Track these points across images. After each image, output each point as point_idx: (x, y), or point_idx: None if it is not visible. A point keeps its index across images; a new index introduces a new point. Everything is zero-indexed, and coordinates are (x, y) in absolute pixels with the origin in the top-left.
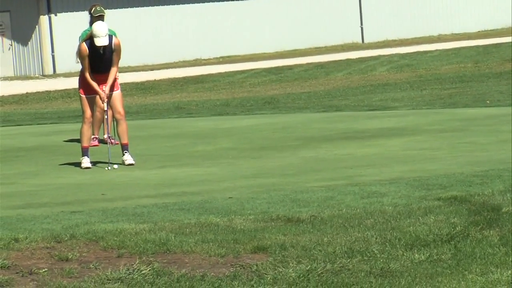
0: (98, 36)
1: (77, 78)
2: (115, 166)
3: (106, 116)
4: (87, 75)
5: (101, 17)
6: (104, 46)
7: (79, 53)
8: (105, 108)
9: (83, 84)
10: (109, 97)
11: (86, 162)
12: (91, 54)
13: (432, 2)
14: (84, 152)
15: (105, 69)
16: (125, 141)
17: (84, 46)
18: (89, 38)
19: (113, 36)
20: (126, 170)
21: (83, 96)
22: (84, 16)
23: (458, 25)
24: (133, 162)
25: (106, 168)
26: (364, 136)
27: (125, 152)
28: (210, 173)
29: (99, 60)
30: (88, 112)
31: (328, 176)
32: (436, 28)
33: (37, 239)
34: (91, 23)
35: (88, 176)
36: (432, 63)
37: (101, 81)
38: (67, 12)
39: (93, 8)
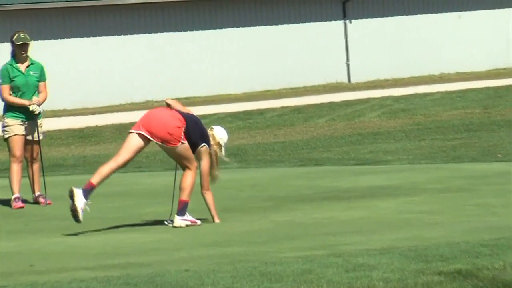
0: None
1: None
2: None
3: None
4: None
5: (25, 46)
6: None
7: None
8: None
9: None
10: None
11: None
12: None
13: (433, 35)
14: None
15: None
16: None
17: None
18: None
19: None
20: (59, 236)
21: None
22: (6, 47)
23: (464, 62)
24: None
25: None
26: (349, 196)
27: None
28: (163, 240)
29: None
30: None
31: (305, 244)
32: (438, 66)
33: None
34: (14, 52)
35: (13, 243)
36: (432, 108)
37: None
38: None
39: (16, 35)
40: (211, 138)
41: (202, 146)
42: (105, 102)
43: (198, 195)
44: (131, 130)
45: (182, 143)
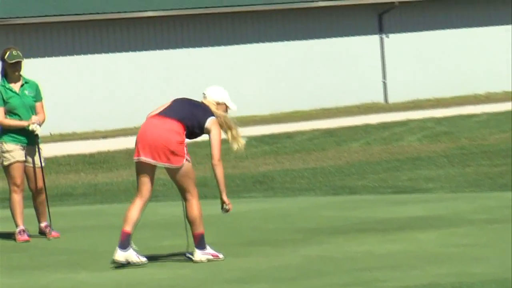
0: None
1: None
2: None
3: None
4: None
5: (18, 64)
6: None
7: None
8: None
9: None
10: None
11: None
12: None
13: (478, 50)
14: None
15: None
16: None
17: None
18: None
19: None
20: (68, 272)
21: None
22: None
23: None
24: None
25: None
26: (386, 228)
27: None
28: (182, 276)
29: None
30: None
31: (338, 281)
32: (484, 84)
33: None
34: (4, 72)
35: (17, 280)
36: (478, 130)
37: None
38: None
39: (7, 53)
40: (210, 107)
41: (209, 121)
42: (118, 125)
43: (215, 227)
44: (134, 158)
45: (187, 160)
